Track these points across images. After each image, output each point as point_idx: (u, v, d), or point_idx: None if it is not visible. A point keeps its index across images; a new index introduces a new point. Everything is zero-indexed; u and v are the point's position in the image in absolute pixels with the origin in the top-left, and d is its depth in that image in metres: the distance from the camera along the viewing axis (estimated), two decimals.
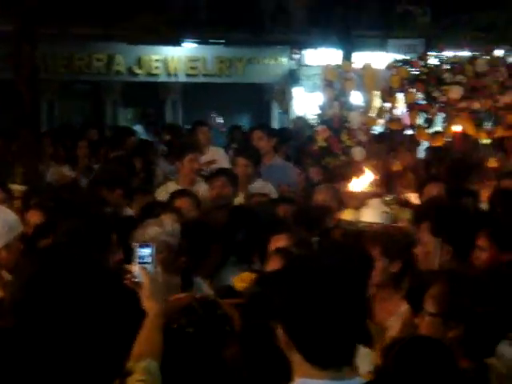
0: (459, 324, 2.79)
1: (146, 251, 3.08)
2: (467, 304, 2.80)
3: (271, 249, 4.55)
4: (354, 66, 8.97)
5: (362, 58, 13.79)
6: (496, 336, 2.82)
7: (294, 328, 2.34)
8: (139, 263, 3.06)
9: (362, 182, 5.24)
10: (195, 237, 4.63)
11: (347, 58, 13.94)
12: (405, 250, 4.24)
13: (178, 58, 16.45)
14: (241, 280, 4.26)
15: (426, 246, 4.23)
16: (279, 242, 4.59)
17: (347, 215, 5.00)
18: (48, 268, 2.67)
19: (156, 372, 2.78)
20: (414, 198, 7.15)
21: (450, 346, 2.74)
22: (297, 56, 17.45)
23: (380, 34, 17.02)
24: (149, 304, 2.99)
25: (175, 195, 6.00)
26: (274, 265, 4.10)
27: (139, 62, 16.25)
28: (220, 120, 13.75)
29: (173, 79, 16.52)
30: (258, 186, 6.85)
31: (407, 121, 8.60)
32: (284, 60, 17.42)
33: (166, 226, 4.25)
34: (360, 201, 5.01)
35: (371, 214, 4.83)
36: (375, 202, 4.95)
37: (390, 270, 4.03)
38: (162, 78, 16.48)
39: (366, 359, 2.88)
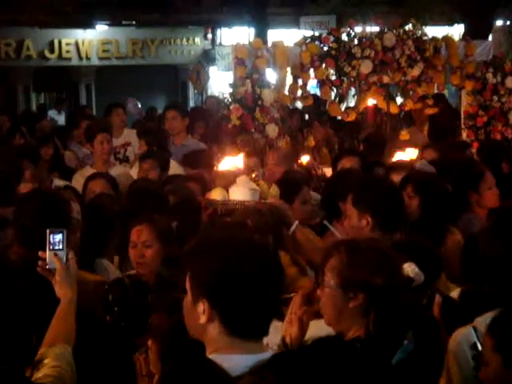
0: (358, 294, 2.83)
1: (57, 237, 3.04)
2: (365, 275, 2.84)
3: None
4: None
5: (275, 36, 13.85)
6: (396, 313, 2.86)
7: (220, 300, 2.38)
8: (51, 250, 3.02)
9: (230, 160, 5.31)
10: (92, 218, 4.58)
11: (261, 36, 13.95)
12: (274, 226, 4.26)
13: (89, 41, 16.24)
14: None
15: (350, 219, 4.26)
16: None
17: (216, 194, 5.02)
18: None
19: (69, 357, 2.77)
20: (328, 172, 7.26)
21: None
22: (210, 36, 17.40)
23: (293, 11, 17.09)
24: (62, 291, 2.98)
25: (89, 178, 5.95)
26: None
27: (50, 46, 15.97)
28: (139, 106, 13.58)
29: (85, 63, 16.29)
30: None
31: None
32: (198, 40, 17.36)
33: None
34: (228, 179, 5.09)
35: (240, 192, 4.87)
36: (243, 179, 5.02)
37: None
38: (75, 62, 16.26)
39: (277, 332, 2.90)
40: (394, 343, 2.51)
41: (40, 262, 3.04)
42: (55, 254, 3.01)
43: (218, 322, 2.39)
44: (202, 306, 2.40)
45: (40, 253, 3.06)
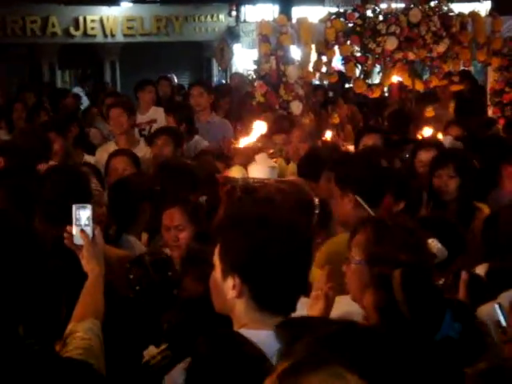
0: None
1: (83, 213, 3.04)
2: (391, 251, 2.85)
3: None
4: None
5: (300, 13, 13.79)
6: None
7: (252, 276, 2.40)
8: (77, 225, 3.03)
9: (248, 138, 5.25)
10: (118, 195, 4.61)
11: (285, 12, 13.88)
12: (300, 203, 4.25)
13: (114, 18, 16.25)
14: None
15: (335, 197, 4.24)
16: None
17: (235, 172, 4.98)
18: None
19: (98, 332, 2.79)
20: (351, 149, 7.24)
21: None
22: (234, 13, 17.35)
23: None
24: (89, 266, 2.99)
25: (111, 155, 5.98)
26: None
27: (75, 23, 16.00)
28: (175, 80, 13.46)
29: (110, 40, 16.31)
30: (195, 140, 6.82)
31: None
32: (222, 17, 17.31)
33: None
34: (247, 157, 5.05)
35: (259, 170, 4.85)
36: (262, 157, 4.99)
37: None
38: (99, 39, 16.28)
39: (303, 308, 2.92)
40: (433, 323, 2.49)
41: (66, 236, 3.05)
42: (82, 230, 3.01)
43: (248, 297, 2.41)
44: (232, 281, 2.42)
45: (67, 227, 3.07)
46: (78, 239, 3.02)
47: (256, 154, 5.05)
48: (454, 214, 4.49)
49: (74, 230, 3.03)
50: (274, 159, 5.14)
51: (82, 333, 2.73)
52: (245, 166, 5.04)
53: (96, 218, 3.19)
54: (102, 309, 2.90)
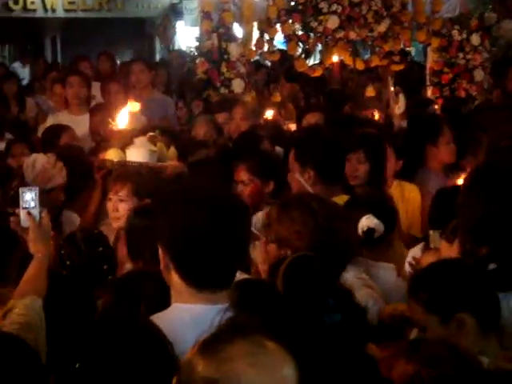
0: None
1: (30, 195, 3.09)
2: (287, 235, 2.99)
3: None
4: None
5: None
6: None
7: (173, 251, 2.41)
8: (24, 208, 3.08)
9: (127, 118, 5.08)
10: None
11: None
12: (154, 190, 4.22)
13: None
14: None
15: (293, 173, 4.28)
16: None
17: (112, 155, 4.84)
18: None
19: (39, 309, 2.82)
20: (293, 128, 7.27)
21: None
22: None
23: None
24: (35, 247, 3.04)
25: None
26: None
27: None
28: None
29: (50, 15, 16.03)
30: None
31: None
32: None
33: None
34: (126, 139, 4.91)
35: (137, 153, 4.76)
36: (141, 140, 4.86)
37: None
38: (40, 14, 15.97)
39: None
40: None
41: (13, 219, 3.10)
42: (28, 213, 3.06)
43: (176, 271, 2.42)
44: (161, 252, 2.44)
45: (15, 210, 3.11)
46: (25, 221, 3.07)
47: (135, 137, 4.91)
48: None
49: (21, 213, 3.08)
50: (154, 142, 4.96)
51: (21, 309, 2.76)
52: (122, 148, 4.89)
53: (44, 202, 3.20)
54: (44, 288, 2.93)
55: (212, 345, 1.81)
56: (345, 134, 5.64)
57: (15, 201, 3.19)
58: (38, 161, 4.32)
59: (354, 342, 2.42)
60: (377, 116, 7.08)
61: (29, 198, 3.08)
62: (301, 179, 4.19)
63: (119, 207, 4.16)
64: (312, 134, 4.77)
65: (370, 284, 3.44)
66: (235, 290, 2.30)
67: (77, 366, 2.06)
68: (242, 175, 4.66)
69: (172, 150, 5.06)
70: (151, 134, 4.94)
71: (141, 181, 4.23)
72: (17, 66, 14.73)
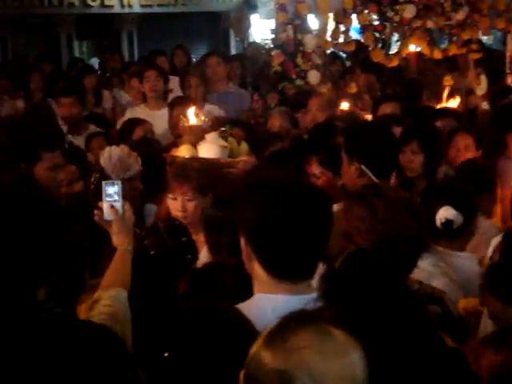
0: None
1: (113, 189, 3.13)
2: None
3: None
4: None
5: None
6: None
7: (257, 237, 2.40)
8: (107, 201, 3.12)
9: (197, 115, 5.02)
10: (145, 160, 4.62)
11: None
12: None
13: None
14: None
15: (343, 166, 4.16)
16: None
17: (183, 151, 4.81)
18: None
19: (124, 301, 2.85)
20: (369, 118, 7.21)
21: None
22: None
23: None
24: (118, 240, 3.08)
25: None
26: None
27: None
28: None
29: (127, 10, 16.26)
30: (208, 108, 6.82)
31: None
32: None
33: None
34: (197, 136, 4.86)
35: (209, 149, 4.72)
36: (212, 136, 4.81)
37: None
38: (117, 10, 16.21)
39: None
40: None
41: (96, 212, 3.13)
42: (111, 206, 3.10)
43: (258, 261, 2.42)
44: (243, 242, 2.44)
45: (98, 203, 3.15)
46: (108, 214, 3.11)
47: (206, 133, 4.88)
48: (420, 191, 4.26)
49: (104, 206, 3.12)
50: (225, 138, 4.92)
51: (107, 300, 2.79)
52: (194, 144, 4.87)
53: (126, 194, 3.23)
54: (129, 280, 2.96)
55: (278, 336, 1.82)
56: (422, 124, 5.59)
57: (96, 195, 3.24)
58: (113, 152, 4.37)
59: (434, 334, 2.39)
60: (455, 105, 6.97)
61: (111, 191, 3.12)
62: (367, 171, 4.09)
63: (187, 206, 4.14)
64: (360, 126, 4.70)
65: (447, 272, 3.38)
66: (323, 281, 2.28)
67: (166, 354, 2.08)
68: (314, 168, 4.61)
69: (243, 144, 5.06)
70: (222, 129, 4.94)
71: (202, 177, 4.21)
72: (94, 61, 14.96)
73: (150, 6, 16.42)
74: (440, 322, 2.47)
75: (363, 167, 3.92)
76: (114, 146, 4.55)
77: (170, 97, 7.85)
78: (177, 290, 3.08)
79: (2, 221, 2.19)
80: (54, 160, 4.51)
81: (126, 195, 3.19)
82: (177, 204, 4.15)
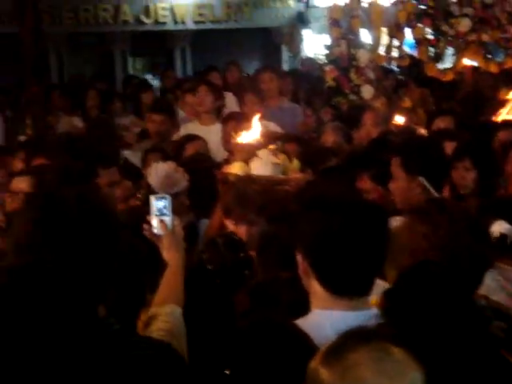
0: None
1: (162, 203, 3.10)
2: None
3: None
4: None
5: None
6: None
7: (314, 253, 2.39)
8: (157, 216, 3.08)
9: (250, 132, 4.97)
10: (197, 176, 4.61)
11: None
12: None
13: (185, 5, 16.31)
14: None
15: (397, 181, 4.15)
16: None
17: (236, 168, 4.75)
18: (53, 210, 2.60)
19: (179, 317, 2.82)
20: (424, 133, 7.15)
21: None
22: None
23: None
24: (169, 255, 3.04)
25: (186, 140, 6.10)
26: None
27: (146, 11, 16.12)
28: None
29: (181, 27, 16.39)
30: (264, 124, 6.81)
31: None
32: (291, 2, 17.23)
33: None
34: (248, 153, 4.81)
35: (262, 167, 4.67)
36: (264, 153, 4.77)
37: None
38: (170, 26, 16.36)
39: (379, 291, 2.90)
40: None
41: (146, 227, 3.10)
42: (161, 221, 3.06)
43: (315, 277, 2.41)
44: (300, 258, 2.43)
45: (147, 218, 3.12)
46: (158, 229, 3.07)
47: (258, 150, 4.83)
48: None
49: (154, 221, 3.08)
50: (276, 155, 4.88)
51: (163, 316, 2.76)
52: (246, 162, 4.82)
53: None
54: (182, 296, 2.92)
55: (335, 352, 1.80)
56: (479, 138, 5.51)
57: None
58: (160, 167, 4.39)
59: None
60: None
61: (161, 205, 3.09)
62: (428, 186, 4.06)
63: (252, 231, 4.08)
64: (420, 141, 4.65)
65: (505, 286, 3.32)
66: (385, 297, 2.25)
67: (227, 372, 2.07)
68: (365, 183, 4.58)
69: (295, 162, 5.03)
70: (272, 146, 4.91)
71: (263, 199, 4.15)
72: (148, 77, 15.11)
73: (203, 22, 16.54)
74: (506, 338, 2.42)
75: (425, 182, 3.90)
76: (160, 162, 4.56)
77: (224, 112, 7.92)
78: (233, 306, 3.07)
79: (65, 238, 2.21)
80: (111, 176, 4.55)
81: (174, 210, 3.18)
82: (239, 230, 4.07)
